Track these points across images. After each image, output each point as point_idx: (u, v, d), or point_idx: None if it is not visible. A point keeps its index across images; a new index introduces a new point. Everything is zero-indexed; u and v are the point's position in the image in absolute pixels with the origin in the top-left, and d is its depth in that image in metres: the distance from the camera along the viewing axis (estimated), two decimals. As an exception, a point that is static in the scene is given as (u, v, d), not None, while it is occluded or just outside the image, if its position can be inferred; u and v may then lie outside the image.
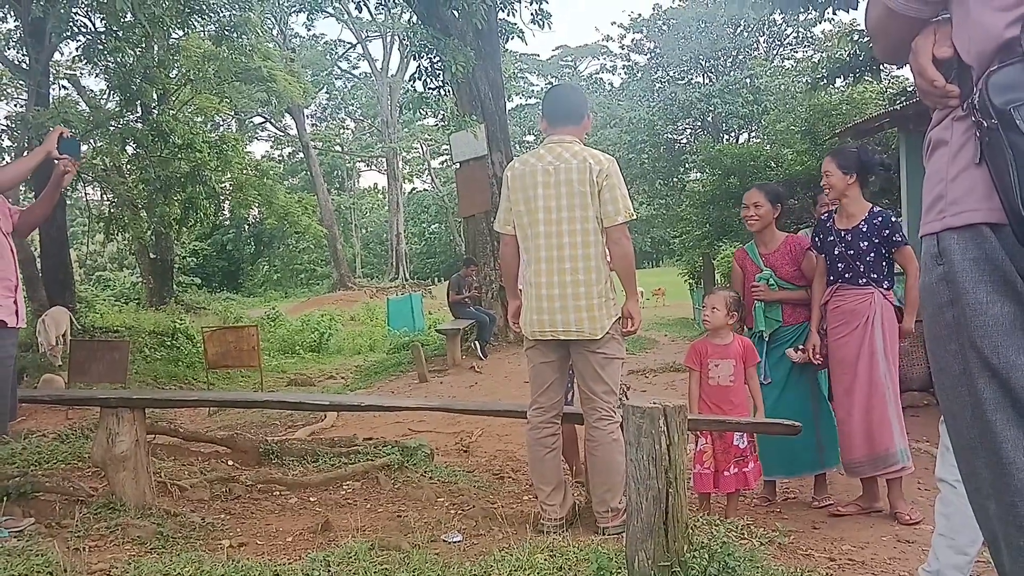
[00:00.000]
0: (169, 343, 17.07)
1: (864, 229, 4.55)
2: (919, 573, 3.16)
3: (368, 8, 16.94)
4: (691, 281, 21.70)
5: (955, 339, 1.51)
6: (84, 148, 4.30)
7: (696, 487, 4.50)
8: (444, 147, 40.59)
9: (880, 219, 4.55)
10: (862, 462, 4.51)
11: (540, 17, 14.42)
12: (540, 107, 4.56)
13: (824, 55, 21.46)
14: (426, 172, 56.28)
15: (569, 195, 4.02)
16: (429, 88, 13.23)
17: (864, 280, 4.53)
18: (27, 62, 15.31)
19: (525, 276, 4.19)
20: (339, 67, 49.26)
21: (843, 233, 4.60)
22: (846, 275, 4.58)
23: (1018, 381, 1.43)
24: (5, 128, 13.68)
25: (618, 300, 4.16)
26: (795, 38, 39.43)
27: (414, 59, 13.11)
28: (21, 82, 16.90)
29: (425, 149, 53.47)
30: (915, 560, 3.65)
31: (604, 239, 4.07)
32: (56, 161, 4.11)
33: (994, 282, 1.45)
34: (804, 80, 22.63)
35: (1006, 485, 1.46)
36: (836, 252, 4.61)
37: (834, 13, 12.64)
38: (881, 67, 13.19)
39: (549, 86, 56.61)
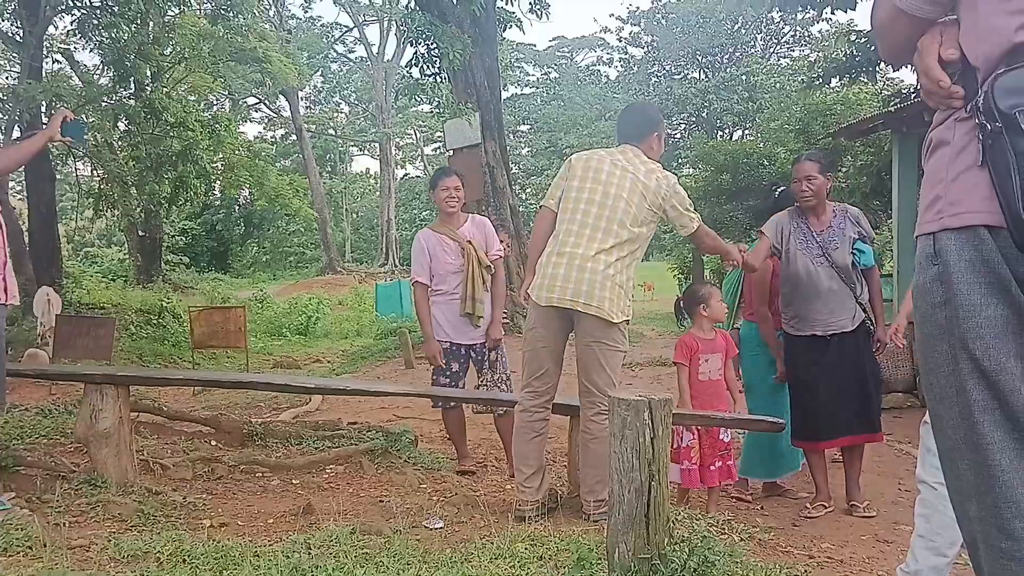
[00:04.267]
0: (155, 321, 16.97)
1: None
2: (897, 573, 3.17)
3: (366, -8, 16.90)
4: (680, 276, 21.72)
5: (946, 340, 1.51)
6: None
7: (684, 483, 4.50)
8: (438, 134, 40.52)
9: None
10: None
11: (538, 7, 14.36)
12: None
13: (820, 55, 21.45)
14: (419, 159, 56.11)
15: (632, 191, 4.03)
16: (425, 75, 13.21)
17: None
18: (20, 34, 15.12)
19: (553, 247, 4.12)
20: (335, 50, 49.04)
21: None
22: None
23: (1007, 384, 1.43)
24: (-3, 101, 13.56)
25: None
26: (792, 37, 39.39)
27: (411, 45, 13.11)
28: (14, 54, 16.71)
29: (419, 135, 53.35)
30: (893, 560, 3.66)
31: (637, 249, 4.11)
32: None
33: (989, 284, 1.45)
34: (800, 79, 22.63)
35: (989, 487, 1.46)
36: None
37: (832, 13, 12.65)
38: (877, 69, 13.19)
39: (544, 76, 56.99)
